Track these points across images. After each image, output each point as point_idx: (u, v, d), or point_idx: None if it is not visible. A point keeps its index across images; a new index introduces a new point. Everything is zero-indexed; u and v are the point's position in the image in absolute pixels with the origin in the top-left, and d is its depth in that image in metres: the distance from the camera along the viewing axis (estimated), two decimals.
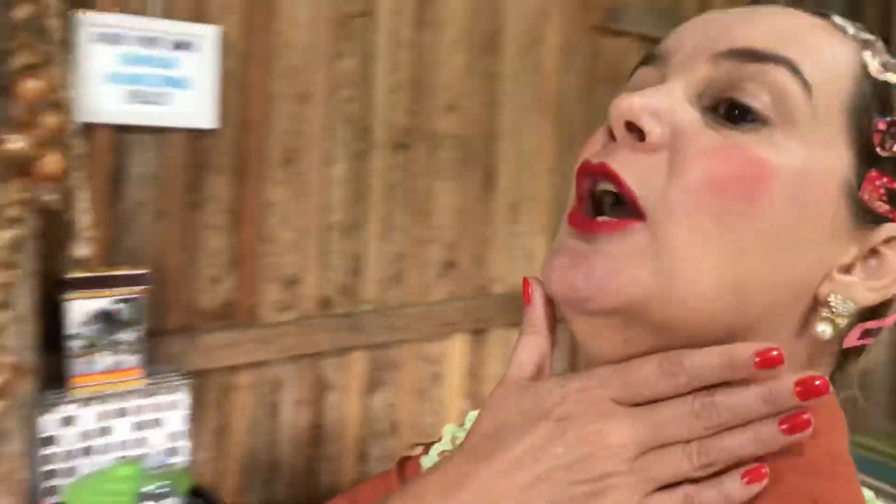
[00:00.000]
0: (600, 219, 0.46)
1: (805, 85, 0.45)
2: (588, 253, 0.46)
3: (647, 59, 0.51)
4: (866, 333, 0.48)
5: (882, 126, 0.46)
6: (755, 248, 0.44)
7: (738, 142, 0.45)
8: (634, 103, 0.46)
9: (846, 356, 0.50)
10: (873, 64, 0.48)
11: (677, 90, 0.47)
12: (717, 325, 0.45)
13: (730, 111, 0.46)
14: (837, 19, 0.50)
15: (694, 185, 0.44)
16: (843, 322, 0.46)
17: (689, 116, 0.46)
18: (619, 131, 0.47)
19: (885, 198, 0.46)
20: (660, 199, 0.44)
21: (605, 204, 0.47)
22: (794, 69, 0.45)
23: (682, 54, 0.49)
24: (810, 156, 0.45)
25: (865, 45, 0.49)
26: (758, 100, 0.45)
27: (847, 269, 0.47)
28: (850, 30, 0.49)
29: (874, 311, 0.48)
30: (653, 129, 0.46)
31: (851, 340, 0.48)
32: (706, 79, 0.47)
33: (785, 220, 0.44)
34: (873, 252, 0.47)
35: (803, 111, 0.45)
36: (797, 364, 0.48)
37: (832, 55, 0.47)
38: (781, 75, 0.45)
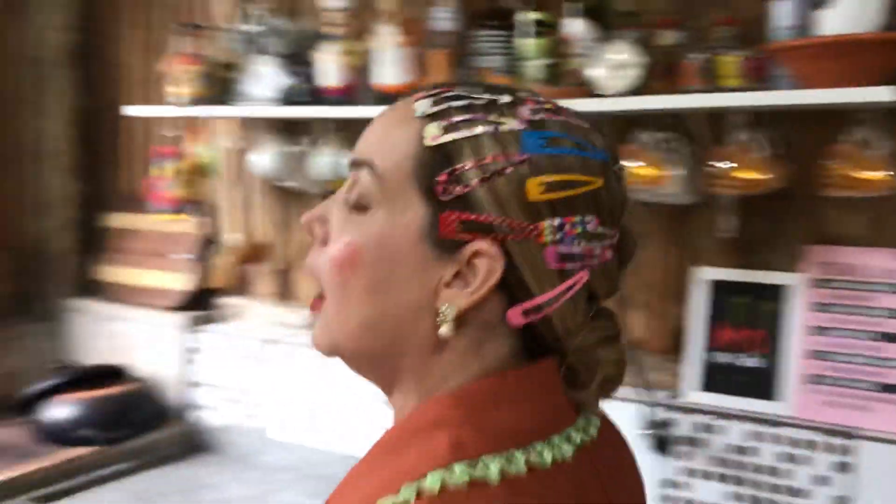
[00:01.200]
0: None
1: (377, 175, 0.65)
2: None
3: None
4: (529, 312, 0.63)
5: (442, 178, 0.62)
6: (367, 298, 0.65)
7: (350, 227, 0.66)
8: (305, 217, 0.70)
9: (574, 333, 0.65)
10: (429, 133, 0.64)
11: (340, 194, 0.68)
12: (373, 353, 0.67)
13: (349, 202, 0.67)
14: (422, 103, 0.66)
15: (326, 269, 0.67)
16: (450, 324, 0.63)
17: (337, 215, 0.67)
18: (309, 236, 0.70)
19: (461, 227, 0.62)
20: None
21: None
22: (371, 167, 0.65)
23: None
24: (387, 222, 0.64)
25: (431, 118, 0.64)
26: (356, 195, 0.66)
27: (449, 285, 0.63)
28: (425, 107, 0.65)
29: (523, 294, 0.63)
30: (315, 232, 0.69)
31: (518, 320, 0.63)
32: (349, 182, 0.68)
33: (378, 273, 0.64)
34: (470, 265, 0.63)
35: (378, 194, 0.64)
36: (462, 353, 0.64)
37: (395, 143, 0.65)
38: (364, 174, 0.65)
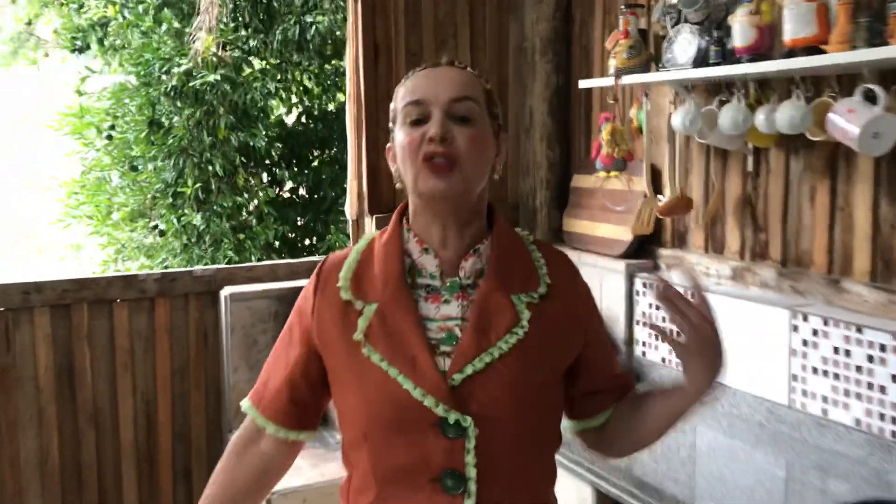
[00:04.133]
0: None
1: (479, 104, 1.28)
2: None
3: (415, 103, 1.28)
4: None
5: (494, 105, 1.33)
6: (483, 162, 1.29)
7: (468, 130, 1.26)
8: (437, 131, 1.24)
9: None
10: (485, 84, 1.32)
11: (441, 116, 1.26)
12: (478, 189, 1.30)
13: (462, 119, 1.26)
14: (468, 70, 1.33)
15: (464, 148, 1.25)
16: (498, 171, 1.36)
17: (451, 127, 1.26)
18: (441, 138, 1.26)
19: (500, 127, 1.34)
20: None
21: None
22: (474, 100, 1.27)
23: (436, 100, 1.26)
24: (483, 126, 1.28)
25: (479, 76, 1.33)
26: (468, 113, 1.27)
27: (497, 155, 1.34)
28: (472, 72, 1.33)
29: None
30: (447, 135, 1.26)
31: (499, 170, 1.37)
32: (449, 107, 1.26)
33: (485, 149, 1.29)
34: (500, 145, 1.35)
35: (478, 114, 1.28)
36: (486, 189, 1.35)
37: (478, 90, 1.30)
38: (470, 104, 1.27)
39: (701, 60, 2.18)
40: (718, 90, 2.30)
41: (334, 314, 1.34)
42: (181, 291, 2.90)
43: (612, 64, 2.42)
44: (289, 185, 5.06)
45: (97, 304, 2.79)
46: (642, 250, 2.79)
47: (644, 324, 2.71)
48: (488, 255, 1.32)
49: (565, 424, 1.43)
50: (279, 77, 4.52)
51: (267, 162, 4.85)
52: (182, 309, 2.92)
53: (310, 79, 4.73)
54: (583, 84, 2.68)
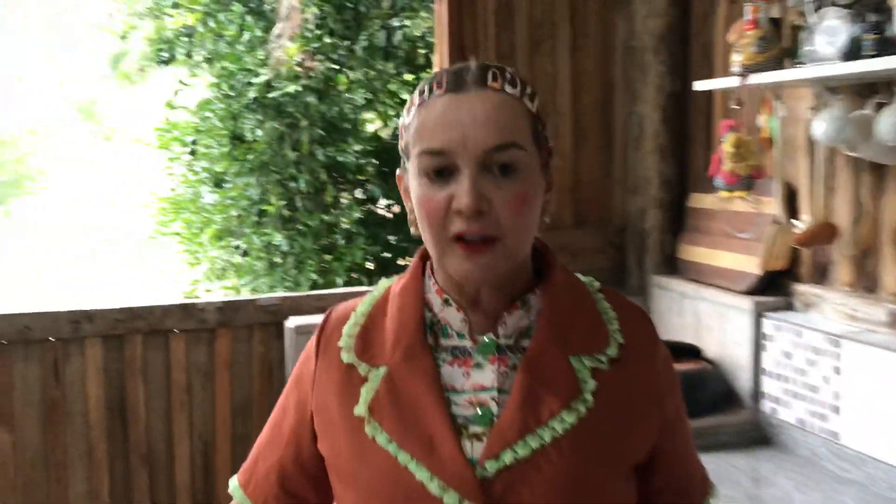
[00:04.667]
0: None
1: (524, 149, 0.98)
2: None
3: (435, 153, 0.97)
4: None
5: (542, 129, 1.02)
6: (533, 224, 1.00)
7: (511, 187, 0.97)
8: (471, 202, 0.94)
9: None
10: (530, 106, 1.01)
11: (473, 173, 0.96)
12: (527, 249, 1.02)
13: (502, 169, 0.97)
14: (508, 88, 1.00)
15: (509, 217, 0.97)
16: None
17: (489, 187, 0.96)
18: (476, 213, 0.96)
19: (550, 153, 1.05)
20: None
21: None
22: (518, 146, 0.97)
23: (464, 152, 0.96)
24: (533, 173, 0.99)
25: (522, 95, 1.01)
26: (511, 164, 0.97)
27: (547, 191, 1.04)
28: (512, 90, 1.00)
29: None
30: (484, 207, 0.95)
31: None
32: (485, 160, 0.96)
33: (536, 204, 1.00)
34: (551, 176, 1.05)
35: (526, 160, 0.98)
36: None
37: (522, 124, 0.99)
38: (514, 151, 0.97)
39: (852, 53, 1.72)
40: (874, 91, 1.82)
41: (335, 381, 1.06)
42: (244, 322, 2.64)
43: (737, 60, 1.97)
44: (383, 202, 4.79)
45: (152, 335, 2.57)
46: (774, 285, 2.32)
47: (773, 374, 2.24)
48: (540, 307, 1.03)
49: None
50: (369, 88, 4.24)
51: (359, 178, 4.60)
52: (245, 341, 2.66)
53: (403, 90, 4.45)
54: (699, 86, 2.24)
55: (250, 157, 4.17)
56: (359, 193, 4.65)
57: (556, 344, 1.02)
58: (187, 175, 4.64)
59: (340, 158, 4.26)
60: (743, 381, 2.35)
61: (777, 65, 1.91)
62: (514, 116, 0.98)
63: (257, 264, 4.30)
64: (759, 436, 2.27)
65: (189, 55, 4.49)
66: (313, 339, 1.10)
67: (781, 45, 1.92)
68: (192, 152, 4.48)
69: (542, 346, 1.01)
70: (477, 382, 1.01)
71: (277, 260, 4.25)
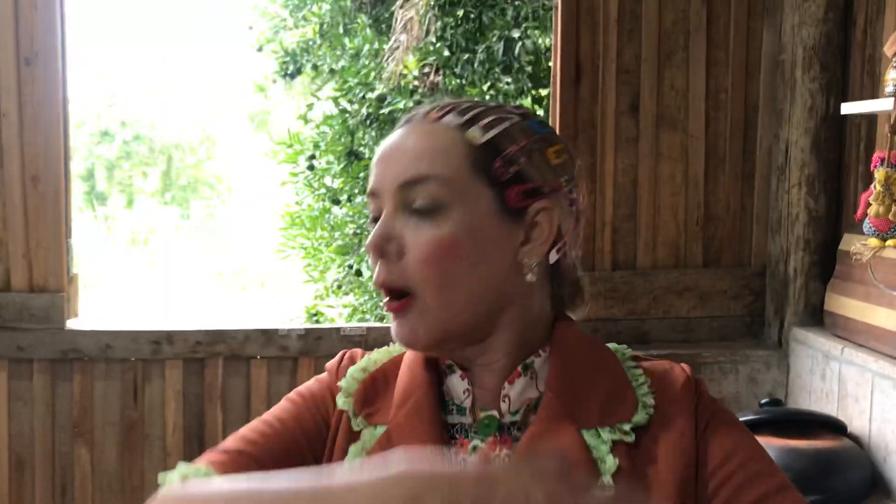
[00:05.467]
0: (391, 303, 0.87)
1: (444, 182, 0.84)
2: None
3: (370, 195, 0.90)
4: (559, 249, 0.88)
5: (498, 164, 0.85)
6: (471, 277, 0.84)
7: (428, 230, 0.84)
8: (372, 241, 0.86)
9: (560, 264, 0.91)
10: (475, 136, 0.85)
11: (390, 211, 0.86)
12: (478, 320, 0.86)
13: (419, 211, 0.84)
14: (447, 118, 0.87)
15: (420, 270, 0.84)
16: (535, 270, 0.86)
17: (404, 228, 0.85)
18: (376, 255, 0.86)
19: (523, 196, 0.85)
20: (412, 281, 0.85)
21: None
22: (434, 178, 0.84)
23: (385, 190, 0.87)
24: (467, 213, 0.84)
25: (466, 125, 0.86)
26: (426, 202, 0.84)
27: (523, 243, 0.86)
28: (454, 120, 0.86)
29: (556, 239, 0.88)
30: (388, 250, 0.85)
31: (554, 257, 0.88)
32: (401, 198, 0.85)
33: (474, 254, 0.84)
34: (534, 223, 0.86)
35: (450, 196, 0.84)
36: (538, 290, 0.89)
37: (448, 154, 0.85)
38: (431, 185, 0.84)
39: None
40: None
41: (343, 429, 0.93)
42: (327, 351, 2.47)
43: (892, 78, 1.58)
44: None
45: (233, 360, 2.45)
46: None
47: None
48: (548, 374, 0.89)
49: None
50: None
51: None
52: None
53: (538, 107, 4.17)
54: (847, 108, 1.85)
55: (363, 174, 4.05)
56: None
57: (565, 418, 0.86)
58: (312, 188, 4.59)
59: None
60: (894, 468, 1.92)
61: None
62: (439, 146, 0.85)
63: (371, 284, 4.19)
64: None
65: (316, 67, 4.45)
66: (332, 370, 0.96)
67: None
68: (311, 167, 4.43)
69: (549, 417, 0.86)
70: None
71: None
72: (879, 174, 1.65)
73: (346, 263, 4.39)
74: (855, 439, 2.03)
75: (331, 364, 0.98)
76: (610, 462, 0.84)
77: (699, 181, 2.48)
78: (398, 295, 0.85)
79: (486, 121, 0.87)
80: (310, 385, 0.97)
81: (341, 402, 0.92)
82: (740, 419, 1.99)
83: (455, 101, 0.91)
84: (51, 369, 2.39)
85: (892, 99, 1.60)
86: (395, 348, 0.96)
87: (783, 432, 2.01)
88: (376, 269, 0.87)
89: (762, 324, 2.50)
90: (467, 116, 0.87)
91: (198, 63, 13.39)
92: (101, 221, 12.13)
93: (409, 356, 0.94)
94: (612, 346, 0.94)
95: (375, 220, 0.88)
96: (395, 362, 0.95)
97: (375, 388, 0.93)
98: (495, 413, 0.88)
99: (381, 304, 0.90)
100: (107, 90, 12.42)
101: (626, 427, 0.85)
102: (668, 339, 2.48)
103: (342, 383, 0.93)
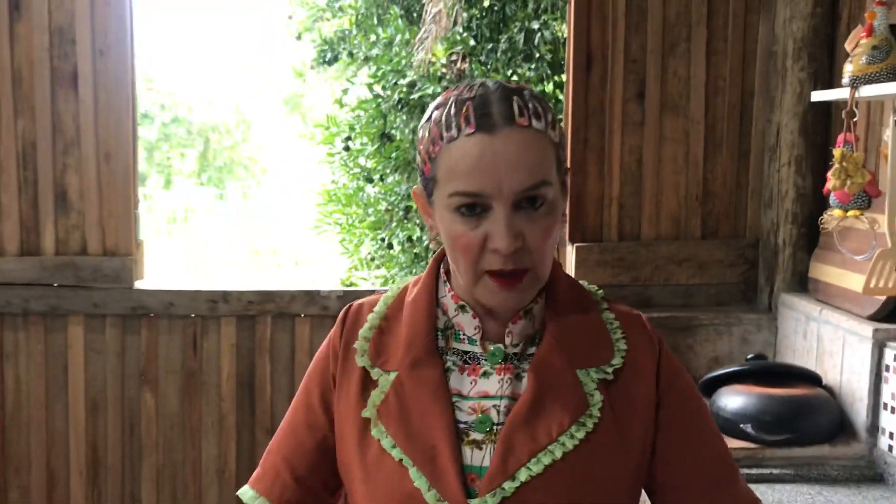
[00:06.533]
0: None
1: (554, 186, 1.03)
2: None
3: (470, 195, 1.01)
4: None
5: (563, 156, 1.07)
6: (553, 249, 1.06)
7: (542, 221, 1.02)
8: (509, 244, 1.00)
9: None
10: (553, 137, 1.04)
11: (508, 212, 1.01)
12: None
13: (531, 202, 1.01)
14: (535, 124, 1.03)
15: (542, 252, 1.04)
16: None
17: (521, 223, 1.01)
18: (514, 248, 1.01)
19: (565, 175, 1.09)
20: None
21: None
22: (550, 183, 1.03)
23: (501, 195, 1.00)
24: (558, 206, 1.05)
25: (548, 128, 1.04)
26: (543, 202, 1.02)
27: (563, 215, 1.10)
28: (538, 125, 1.03)
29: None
30: (520, 244, 1.01)
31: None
32: (518, 199, 1.01)
33: (560, 229, 1.07)
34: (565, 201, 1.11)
35: (554, 193, 1.03)
36: None
37: (549, 160, 1.03)
38: (547, 189, 1.02)
39: None
40: None
41: (352, 382, 1.12)
42: None
43: (847, 70, 1.84)
44: None
45: (280, 318, 2.76)
46: None
47: (890, 408, 2.07)
48: (543, 315, 1.10)
49: None
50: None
51: None
52: None
53: (559, 91, 4.44)
54: (816, 96, 2.10)
55: (394, 154, 4.35)
56: None
57: (561, 357, 1.06)
58: (347, 167, 4.91)
59: None
60: (860, 413, 2.19)
61: (893, 75, 1.76)
62: (543, 154, 1.02)
63: (402, 257, 4.48)
64: (872, 473, 2.11)
65: (352, 55, 4.74)
66: (333, 335, 1.16)
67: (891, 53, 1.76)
68: (347, 148, 4.74)
69: (548, 357, 1.06)
70: (482, 390, 1.06)
71: (418, 252, 4.41)
72: (837, 153, 1.90)
73: (379, 237, 4.71)
74: (829, 389, 2.29)
75: (335, 330, 1.16)
76: (597, 397, 1.04)
77: (699, 161, 2.73)
78: (513, 273, 1.01)
79: (551, 117, 1.04)
80: (316, 361, 1.17)
81: (360, 361, 1.10)
82: (729, 371, 2.27)
83: (515, 92, 1.03)
84: (121, 324, 2.72)
85: (849, 89, 1.85)
86: (389, 295, 1.15)
87: (765, 382, 2.28)
88: (497, 265, 1.01)
89: (755, 290, 2.76)
90: (546, 119, 1.03)
91: (234, 47, 13.75)
92: (142, 201, 12.54)
93: (413, 300, 1.11)
94: (585, 286, 1.16)
95: (469, 208, 1.01)
96: (395, 308, 1.13)
97: (383, 339, 1.11)
98: (501, 346, 1.08)
99: (489, 282, 1.02)
100: (145, 73, 12.80)
101: (609, 369, 1.06)
102: (669, 304, 2.74)
103: (357, 346, 1.11)
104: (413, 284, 1.15)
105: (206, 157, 13.40)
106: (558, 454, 1.00)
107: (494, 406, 1.05)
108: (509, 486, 0.99)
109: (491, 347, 1.08)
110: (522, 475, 0.99)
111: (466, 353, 1.09)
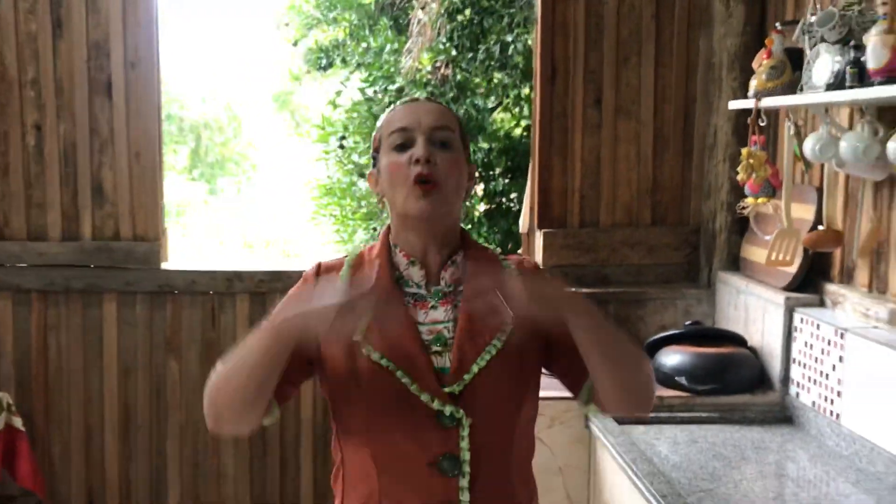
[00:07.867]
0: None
1: (457, 133, 1.47)
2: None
3: (400, 130, 1.44)
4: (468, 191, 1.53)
5: (466, 135, 1.55)
6: (460, 190, 1.47)
7: (448, 154, 1.45)
8: (424, 155, 1.41)
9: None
10: (455, 116, 1.51)
11: (425, 141, 1.43)
12: (457, 212, 1.49)
13: (441, 143, 1.43)
14: (444, 105, 1.53)
15: (447, 172, 1.43)
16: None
17: (435, 152, 1.43)
18: (425, 159, 1.42)
19: (467, 158, 1.54)
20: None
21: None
22: (453, 130, 1.46)
23: (419, 128, 1.43)
24: (460, 151, 1.47)
25: (458, 120, 1.50)
26: (448, 139, 1.45)
27: (470, 179, 1.54)
28: (452, 112, 1.52)
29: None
30: (433, 160, 1.42)
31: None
32: (430, 134, 1.44)
33: (462, 173, 1.47)
34: (472, 171, 1.57)
35: (455, 140, 1.46)
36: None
37: (453, 118, 1.50)
38: (451, 133, 1.46)
39: (837, 83, 2.01)
40: (863, 116, 2.08)
41: None
42: None
43: (753, 85, 2.28)
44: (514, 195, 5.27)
45: None
46: (809, 284, 2.59)
47: (798, 362, 2.52)
48: (464, 264, 1.47)
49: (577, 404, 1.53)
50: (495, 93, 4.74)
51: (489, 173, 5.10)
52: None
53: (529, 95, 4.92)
54: (733, 105, 2.55)
55: None
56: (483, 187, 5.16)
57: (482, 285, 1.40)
58: (342, 164, 5.34)
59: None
60: (775, 368, 2.63)
61: (789, 90, 2.21)
62: (450, 117, 1.48)
63: None
64: (783, 416, 2.56)
65: (345, 61, 5.17)
66: (309, 279, 1.50)
67: (794, 73, 2.21)
68: (342, 146, 5.17)
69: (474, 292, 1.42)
70: (433, 318, 1.46)
71: None
72: (744, 151, 2.35)
73: (371, 227, 5.15)
74: (752, 350, 2.74)
75: (308, 273, 1.50)
76: (508, 312, 1.39)
77: (649, 158, 3.16)
78: (431, 182, 1.39)
79: (458, 120, 1.53)
80: (291, 296, 1.49)
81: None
82: (669, 334, 2.69)
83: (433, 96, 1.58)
84: (149, 300, 3.13)
85: (753, 100, 2.29)
86: (352, 257, 1.52)
87: (699, 343, 2.73)
88: (418, 170, 1.39)
89: (697, 269, 3.19)
90: (456, 115, 1.55)
91: (226, 47, 14.09)
92: None
93: (375, 258, 1.48)
94: (489, 247, 1.60)
95: (401, 146, 1.43)
96: (358, 265, 1.49)
97: (359, 270, 1.47)
98: (441, 287, 1.47)
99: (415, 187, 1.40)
100: None
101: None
102: (623, 282, 3.18)
103: (341, 274, 1.46)
104: (368, 250, 1.53)
105: (198, 154, 13.74)
106: (494, 352, 1.42)
107: (445, 327, 1.45)
108: (467, 377, 1.41)
109: (433, 289, 1.47)
110: (474, 368, 1.41)
111: (415, 294, 1.47)
